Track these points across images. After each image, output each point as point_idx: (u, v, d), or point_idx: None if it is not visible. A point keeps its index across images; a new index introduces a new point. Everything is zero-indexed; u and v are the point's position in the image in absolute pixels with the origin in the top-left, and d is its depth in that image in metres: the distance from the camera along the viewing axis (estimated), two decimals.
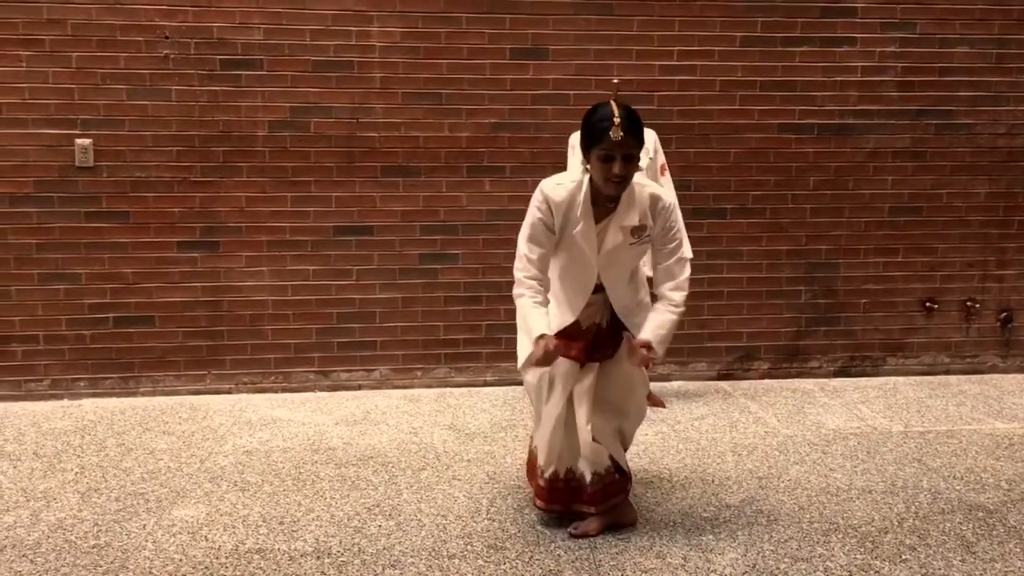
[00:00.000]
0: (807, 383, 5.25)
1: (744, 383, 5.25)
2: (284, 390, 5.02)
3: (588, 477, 3.23)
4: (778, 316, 5.31)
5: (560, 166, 4.74)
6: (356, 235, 4.98)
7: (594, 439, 3.18)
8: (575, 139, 4.66)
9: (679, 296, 3.13)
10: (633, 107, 2.96)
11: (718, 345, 5.30)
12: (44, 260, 4.80)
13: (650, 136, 4.68)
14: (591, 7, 4.98)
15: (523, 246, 3.06)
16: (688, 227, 4.67)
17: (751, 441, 4.25)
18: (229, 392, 4.98)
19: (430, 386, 5.12)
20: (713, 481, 3.74)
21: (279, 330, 5.00)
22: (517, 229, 4.92)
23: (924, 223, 5.33)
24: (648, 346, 2.98)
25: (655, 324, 3.06)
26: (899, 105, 5.21)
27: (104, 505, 3.49)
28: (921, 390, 5.13)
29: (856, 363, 5.40)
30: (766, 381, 5.28)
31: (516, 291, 3.05)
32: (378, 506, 3.48)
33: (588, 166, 2.96)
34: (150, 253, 4.86)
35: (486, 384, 5.14)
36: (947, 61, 5.21)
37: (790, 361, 5.35)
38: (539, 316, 2.97)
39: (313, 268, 4.98)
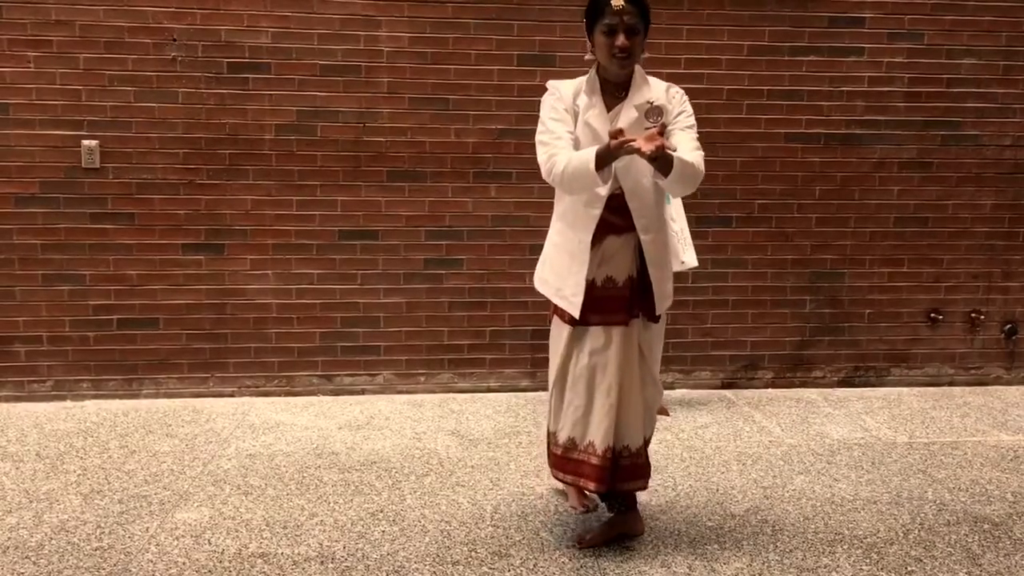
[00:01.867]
0: (811, 393, 5.24)
1: (748, 392, 5.24)
2: (287, 394, 5.01)
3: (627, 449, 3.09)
4: (783, 325, 5.30)
5: None
6: (361, 239, 4.97)
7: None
8: None
9: (695, 157, 2.85)
10: None
11: (722, 354, 5.29)
12: (49, 261, 4.80)
13: None
14: None
15: (546, 131, 2.91)
16: (694, 235, 4.72)
17: (755, 451, 4.23)
18: (232, 395, 4.98)
19: (433, 391, 5.11)
20: (718, 491, 3.73)
21: (283, 334, 4.99)
22: (523, 235, 4.97)
23: (930, 234, 5.33)
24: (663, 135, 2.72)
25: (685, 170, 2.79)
26: (906, 115, 5.21)
27: (107, 507, 3.48)
28: (925, 401, 5.12)
29: (860, 373, 5.39)
30: (770, 390, 5.27)
31: (552, 161, 2.85)
32: (382, 511, 3.47)
33: (593, 50, 2.92)
34: (155, 255, 4.85)
35: (489, 390, 5.14)
36: (954, 72, 5.21)
37: (794, 370, 5.34)
38: (584, 151, 2.80)
39: (318, 272, 4.97)
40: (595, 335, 3.02)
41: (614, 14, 2.80)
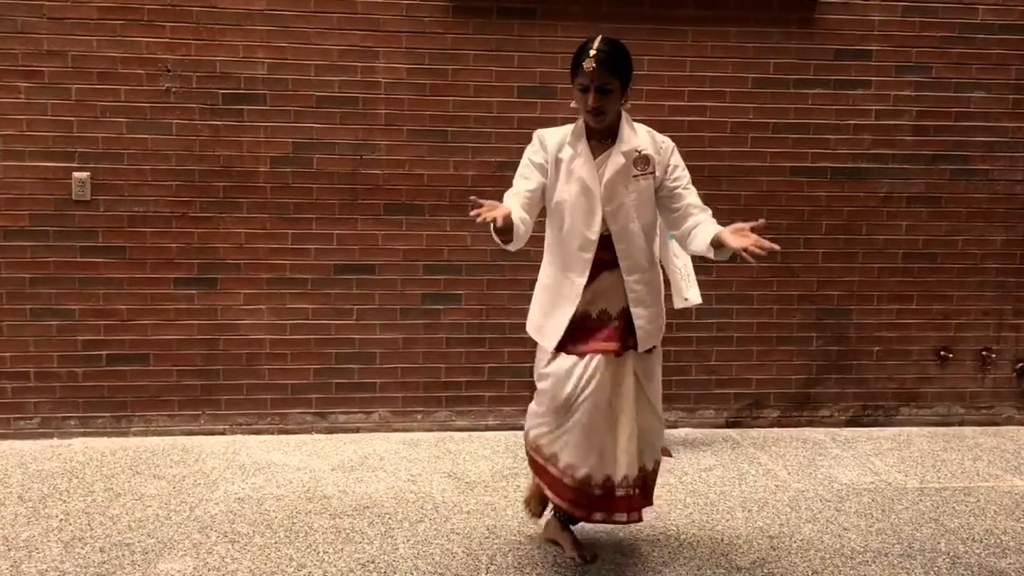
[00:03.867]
0: (818, 432, 5.10)
1: (753, 431, 5.10)
2: (280, 431, 4.88)
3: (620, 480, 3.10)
4: (788, 363, 5.17)
5: None
6: (357, 274, 4.86)
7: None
8: None
9: (710, 215, 3.09)
10: (626, 48, 2.99)
11: (726, 392, 5.16)
12: (37, 295, 4.69)
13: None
14: None
15: (513, 186, 3.09)
16: (697, 270, 4.60)
17: (761, 496, 4.10)
18: (223, 433, 4.85)
19: (430, 430, 4.98)
20: (723, 540, 3.59)
21: (276, 370, 4.87)
22: (522, 270, 4.84)
23: (939, 270, 5.21)
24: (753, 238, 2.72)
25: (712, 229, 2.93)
26: (914, 149, 5.11)
27: (88, 556, 3.34)
28: (935, 442, 4.98)
29: (868, 412, 5.26)
30: (776, 430, 5.13)
31: None
32: (373, 562, 3.33)
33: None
34: (146, 289, 4.74)
35: (488, 428, 5.00)
36: (963, 106, 5.11)
37: (800, 409, 5.21)
38: (519, 209, 2.91)
39: (313, 307, 4.86)
40: (587, 363, 3.03)
41: (585, 75, 2.90)
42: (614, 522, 3.13)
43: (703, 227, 2.96)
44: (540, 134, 3.11)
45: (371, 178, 4.81)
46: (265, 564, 3.30)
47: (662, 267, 4.53)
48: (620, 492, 3.06)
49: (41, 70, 4.58)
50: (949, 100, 5.10)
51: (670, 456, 4.59)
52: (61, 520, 3.68)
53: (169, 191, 4.71)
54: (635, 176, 3.01)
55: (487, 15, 4.81)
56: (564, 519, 3.37)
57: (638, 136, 3.05)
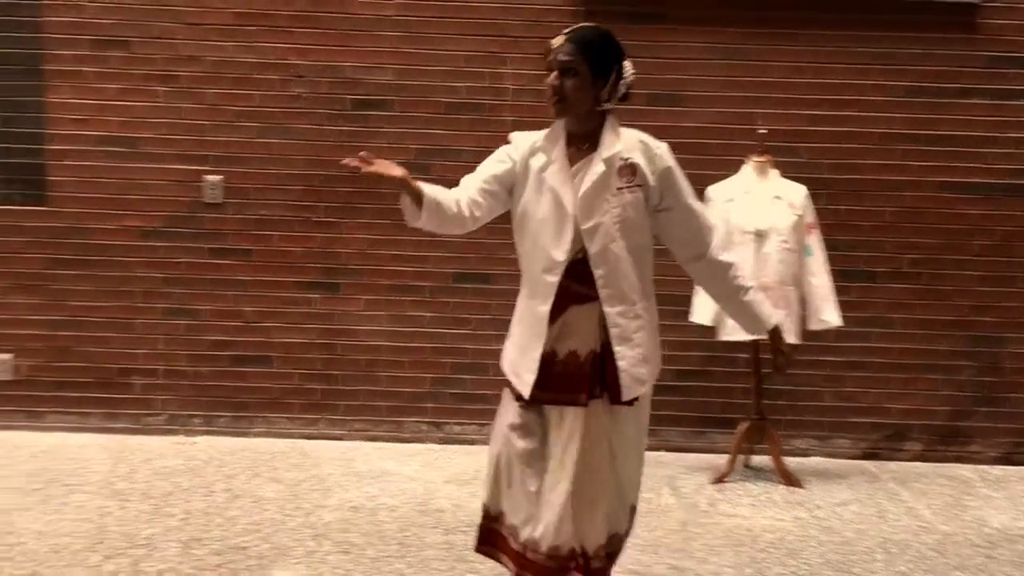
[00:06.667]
0: (965, 469, 4.70)
1: (892, 465, 4.74)
2: (395, 439, 4.84)
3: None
4: (934, 393, 4.80)
5: None
6: (474, 283, 4.79)
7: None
8: (713, 191, 4.37)
9: (734, 257, 2.66)
10: (611, 35, 2.56)
11: (863, 421, 4.83)
12: (170, 294, 4.80)
13: (799, 191, 4.35)
14: (734, 52, 4.69)
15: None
16: (836, 291, 4.33)
17: (903, 537, 3.78)
18: (340, 439, 4.84)
19: None
20: None
21: (393, 377, 4.84)
22: None
23: None
24: (779, 341, 2.56)
25: (755, 311, 2.60)
26: None
27: (205, 559, 3.36)
28: None
29: (1022, 450, 4.83)
30: (918, 464, 4.76)
31: None
32: None
33: None
34: (270, 292, 4.79)
35: None
36: None
37: (947, 443, 4.82)
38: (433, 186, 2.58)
39: (430, 315, 4.81)
40: (547, 415, 2.58)
41: (552, 50, 2.50)
42: None
43: (751, 303, 2.59)
44: (513, 137, 2.67)
45: None
46: None
47: (797, 286, 4.31)
48: (572, 565, 2.53)
49: (179, 75, 4.69)
50: None
51: (800, 488, 4.31)
52: (181, 520, 3.72)
53: (295, 195, 4.76)
54: (619, 189, 2.49)
55: (616, 20, 4.63)
56: None
57: (623, 141, 2.53)
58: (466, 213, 2.61)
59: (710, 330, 4.33)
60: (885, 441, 4.84)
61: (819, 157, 4.70)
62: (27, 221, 4.75)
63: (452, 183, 4.89)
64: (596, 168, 2.49)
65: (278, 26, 4.68)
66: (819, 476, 4.52)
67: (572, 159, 2.54)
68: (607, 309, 2.50)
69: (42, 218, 4.75)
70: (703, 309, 4.28)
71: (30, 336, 4.80)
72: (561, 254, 2.50)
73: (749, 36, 4.69)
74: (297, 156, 4.73)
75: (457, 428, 4.86)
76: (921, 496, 4.29)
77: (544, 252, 2.53)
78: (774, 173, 4.35)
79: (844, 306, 4.42)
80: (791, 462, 4.47)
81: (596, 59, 2.49)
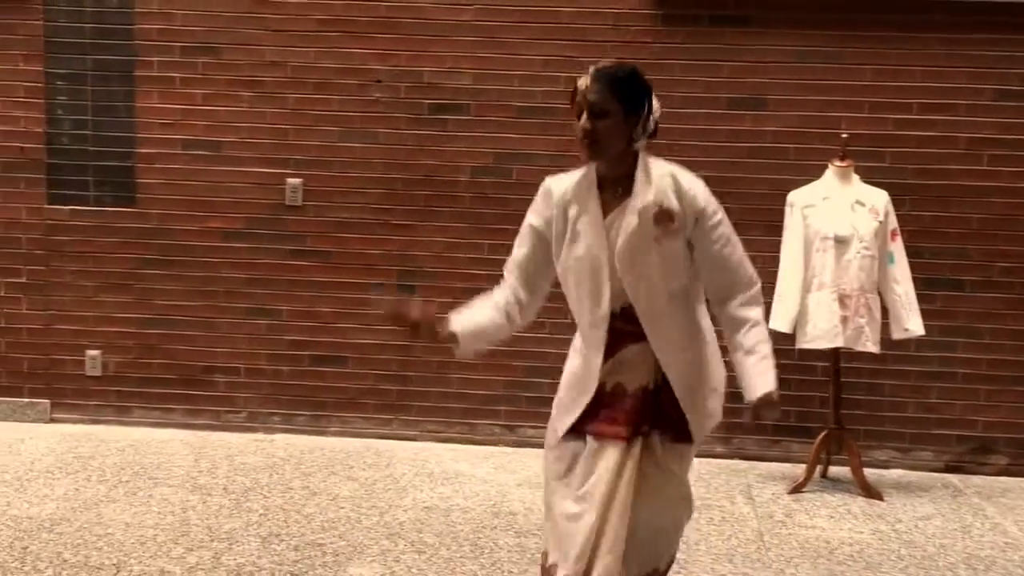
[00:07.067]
0: None
1: (977, 479, 4.59)
2: (468, 442, 4.88)
3: None
4: (1022, 405, 4.64)
5: (775, 224, 4.38)
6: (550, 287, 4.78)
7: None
8: (793, 197, 4.30)
9: (756, 312, 2.43)
10: (638, 71, 2.45)
11: (948, 433, 4.69)
12: (251, 295, 4.92)
13: (881, 197, 4.26)
14: (817, 55, 4.60)
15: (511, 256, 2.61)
16: (920, 299, 4.21)
17: (988, 553, 3.67)
18: (414, 439, 4.89)
19: None
20: None
21: (466, 379, 4.87)
22: None
23: None
24: (770, 401, 2.37)
25: (759, 368, 2.38)
26: None
27: (283, 554, 3.43)
28: None
29: None
30: (1004, 479, 4.60)
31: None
32: None
33: None
34: (347, 294, 4.88)
35: None
36: None
37: None
38: (470, 308, 2.50)
39: None
40: (588, 444, 2.46)
41: (579, 93, 2.39)
42: None
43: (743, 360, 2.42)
44: (546, 185, 2.54)
45: None
46: None
47: (879, 294, 4.21)
48: None
49: (263, 80, 4.81)
50: None
51: (880, 500, 4.21)
52: (260, 515, 3.81)
53: (373, 198, 4.83)
54: (657, 238, 2.37)
55: (698, 23, 4.63)
56: None
57: (656, 183, 2.40)
58: (509, 319, 2.55)
59: (788, 337, 4.25)
60: (970, 454, 4.69)
61: (903, 162, 4.58)
62: (117, 222, 4.92)
63: (530, 187, 4.89)
64: (630, 220, 2.39)
65: (358, 32, 4.76)
66: (900, 489, 4.40)
67: (606, 207, 2.43)
68: (657, 353, 2.42)
69: (131, 219, 4.92)
70: (781, 315, 4.22)
71: (118, 334, 4.97)
72: (602, 309, 2.43)
73: (833, 39, 4.60)
74: (376, 160, 4.81)
75: (531, 431, 4.86)
76: (1008, 512, 4.15)
77: (586, 307, 2.46)
78: (856, 178, 4.27)
79: (928, 315, 4.30)
80: (870, 474, 4.37)
81: (627, 97, 2.39)
